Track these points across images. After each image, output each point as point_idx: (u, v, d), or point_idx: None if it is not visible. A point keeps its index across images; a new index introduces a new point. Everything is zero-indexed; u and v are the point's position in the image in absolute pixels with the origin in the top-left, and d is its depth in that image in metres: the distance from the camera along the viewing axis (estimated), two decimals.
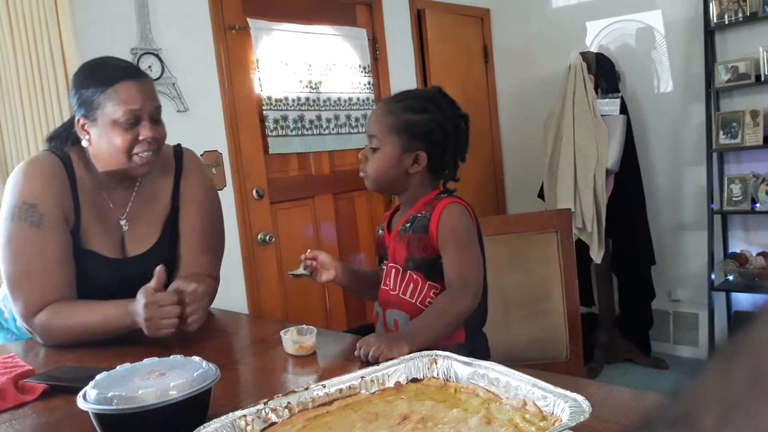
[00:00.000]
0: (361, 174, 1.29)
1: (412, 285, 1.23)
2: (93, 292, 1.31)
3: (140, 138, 1.29)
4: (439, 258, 1.21)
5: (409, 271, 1.24)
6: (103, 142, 1.30)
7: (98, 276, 1.34)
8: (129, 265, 1.37)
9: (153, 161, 1.33)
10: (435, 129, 1.22)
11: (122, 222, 1.39)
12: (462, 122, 1.26)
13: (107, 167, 1.33)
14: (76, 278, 1.32)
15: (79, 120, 1.31)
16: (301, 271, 1.30)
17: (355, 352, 1.04)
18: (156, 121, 1.32)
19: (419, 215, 1.23)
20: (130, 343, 1.25)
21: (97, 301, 1.28)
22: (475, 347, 1.22)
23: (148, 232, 1.41)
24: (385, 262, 1.30)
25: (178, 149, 1.49)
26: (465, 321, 1.21)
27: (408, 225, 1.24)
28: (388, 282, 1.28)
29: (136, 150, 1.30)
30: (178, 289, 1.21)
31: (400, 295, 1.25)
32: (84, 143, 1.33)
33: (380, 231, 1.35)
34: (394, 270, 1.27)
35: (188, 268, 1.42)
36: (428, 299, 1.22)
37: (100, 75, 1.30)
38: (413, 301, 1.23)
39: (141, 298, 1.19)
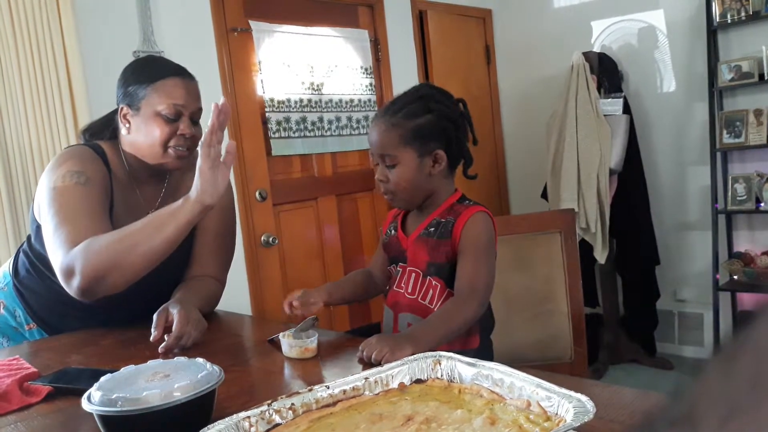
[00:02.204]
0: (387, 197, 1.25)
1: (431, 291, 1.21)
2: None
3: (178, 133, 1.32)
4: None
5: (429, 277, 1.22)
6: (141, 132, 1.33)
7: None
8: None
9: (186, 159, 1.37)
10: (446, 124, 1.21)
11: None
12: (461, 107, 1.25)
13: (143, 156, 1.36)
14: None
15: (122, 109, 1.36)
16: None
17: (358, 354, 1.04)
18: (195, 122, 1.37)
19: (443, 221, 1.21)
20: (134, 345, 1.25)
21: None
22: (485, 352, 1.22)
23: None
24: (401, 264, 1.27)
25: None
26: (481, 327, 1.21)
27: (432, 230, 1.22)
28: (402, 285, 1.26)
29: (172, 143, 1.33)
30: (169, 314, 1.20)
31: (419, 300, 1.23)
32: (123, 131, 1.37)
33: (392, 231, 1.31)
34: (414, 274, 1.24)
35: (198, 269, 1.45)
36: None
37: (150, 69, 1.36)
38: (432, 306, 1.21)
39: None
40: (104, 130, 1.44)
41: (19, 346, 1.38)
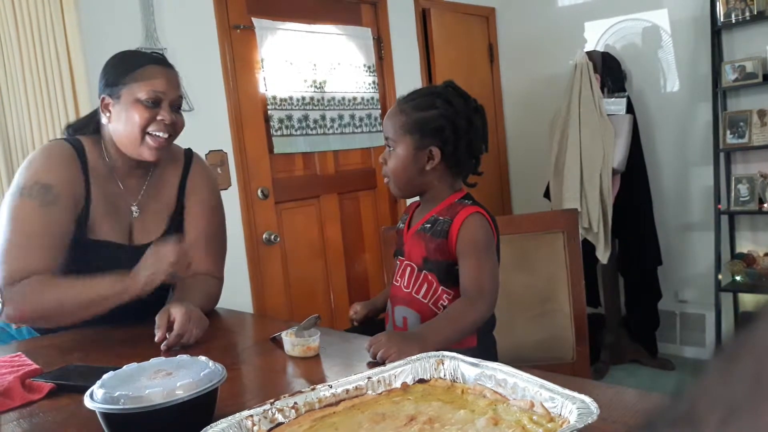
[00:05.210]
0: (385, 179, 1.29)
1: (426, 285, 1.23)
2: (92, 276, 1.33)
3: (158, 118, 1.34)
4: (455, 264, 1.20)
5: (424, 271, 1.23)
6: (122, 119, 1.34)
7: (103, 262, 1.35)
8: (135, 253, 1.38)
9: (166, 146, 1.38)
10: (445, 124, 1.21)
11: (134, 208, 1.42)
12: (475, 115, 1.24)
13: (122, 146, 1.37)
14: (73, 264, 1.33)
15: (103, 99, 1.37)
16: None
17: (366, 347, 1.04)
18: (176, 109, 1.38)
19: (441, 219, 1.22)
20: (137, 343, 1.25)
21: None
22: (485, 351, 1.22)
23: (155, 222, 1.45)
24: (399, 258, 1.30)
25: (188, 150, 1.54)
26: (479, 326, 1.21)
27: (428, 226, 1.23)
28: (399, 279, 1.28)
29: (151, 129, 1.34)
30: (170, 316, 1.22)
31: (413, 293, 1.24)
32: (104, 121, 1.38)
33: (401, 225, 1.34)
34: (409, 268, 1.26)
35: (193, 267, 1.44)
36: (440, 302, 1.22)
37: (130, 59, 1.38)
38: (426, 301, 1.23)
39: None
40: (87, 125, 1.45)
41: (22, 342, 1.38)
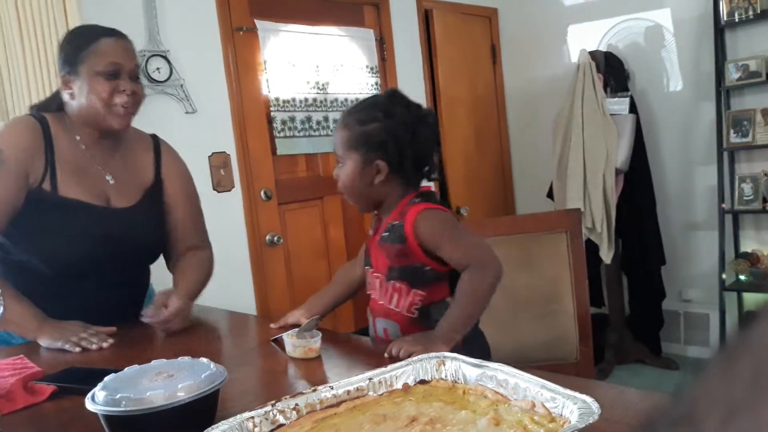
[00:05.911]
0: (345, 195, 1.29)
1: (396, 294, 1.22)
2: (70, 241, 1.37)
3: (120, 89, 1.37)
4: (424, 266, 1.19)
5: (391, 281, 1.22)
6: (84, 93, 1.38)
7: (78, 223, 1.39)
8: (112, 215, 1.44)
9: (133, 113, 1.42)
10: (386, 138, 1.18)
11: (108, 177, 1.46)
12: (420, 124, 1.20)
13: (87, 120, 1.41)
14: (47, 226, 1.37)
15: (63, 77, 1.40)
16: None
17: (386, 353, 1.04)
18: (134, 78, 1.42)
19: (395, 224, 1.21)
20: (138, 345, 1.26)
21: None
22: (473, 347, 1.20)
23: (132, 191, 1.49)
24: (368, 269, 1.29)
25: (154, 135, 1.60)
26: None
27: (386, 234, 1.22)
28: (373, 291, 1.27)
29: (115, 100, 1.38)
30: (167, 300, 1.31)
31: (386, 305, 1.23)
32: (66, 98, 1.41)
33: (371, 232, 1.32)
34: (378, 279, 1.25)
35: (183, 244, 1.55)
36: (414, 306, 1.20)
37: (84, 35, 1.41)
38: (399, 310, 1.22)
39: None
40: (51, 103, 1.48)
41: (23, 345, 1.39)
